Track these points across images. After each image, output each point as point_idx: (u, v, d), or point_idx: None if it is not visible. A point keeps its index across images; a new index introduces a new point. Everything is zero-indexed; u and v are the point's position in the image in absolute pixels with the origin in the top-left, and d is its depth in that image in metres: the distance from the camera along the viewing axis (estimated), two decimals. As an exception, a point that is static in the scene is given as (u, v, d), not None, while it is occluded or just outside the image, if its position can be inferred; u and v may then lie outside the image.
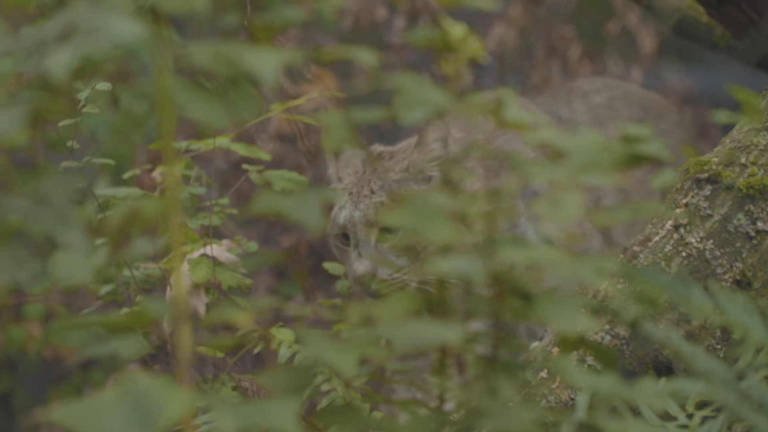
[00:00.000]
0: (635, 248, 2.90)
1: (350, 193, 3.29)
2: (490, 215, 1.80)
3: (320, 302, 3.26)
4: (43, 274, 1.79)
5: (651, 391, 1.83)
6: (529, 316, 1.78)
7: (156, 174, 3.37)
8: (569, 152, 1.82)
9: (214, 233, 3.26)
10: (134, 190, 3.30)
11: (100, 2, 1.64)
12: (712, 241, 2.83)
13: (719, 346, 2.79)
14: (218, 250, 3.20)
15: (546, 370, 2.82)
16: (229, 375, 3.21)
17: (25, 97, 1.70)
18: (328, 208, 3.32)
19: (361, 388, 2.99)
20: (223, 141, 3.33)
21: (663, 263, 2.84)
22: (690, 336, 2.79)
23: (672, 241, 2.85)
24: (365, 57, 1.82)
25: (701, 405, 2.50)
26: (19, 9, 1.79)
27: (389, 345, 1.73)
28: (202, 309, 3.14)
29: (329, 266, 3.47)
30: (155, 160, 4.02)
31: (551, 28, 5.17)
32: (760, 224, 2.81)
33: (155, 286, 3.31)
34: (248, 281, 3.19)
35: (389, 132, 4.16)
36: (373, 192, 3.25)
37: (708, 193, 2.85)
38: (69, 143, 3.15)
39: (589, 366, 2.73)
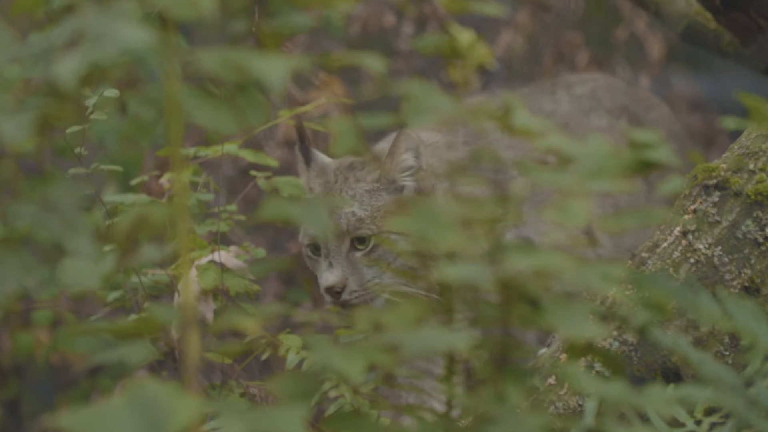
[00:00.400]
0: (643, 254, 2.89)
1: None
2: (496, 221, 1.80)
3: (328, 308, 3.26)
4: (51, 280, 1.80)
5: (659, 397, 1.83)
6: (537, 323, 1.78)
7: (164, 180, 3.37)
8: (577, 158, 1.82)
9: (222, 239, 3.26)
10: (142, 197, 3.30)
11: (108, 9, 1.65)
12: (720, 247, 2.82)
13: (727, 353, 2.79)
14: (226, 256, 3.20)
15: (554, 377, 2.82)
16: (237, 381, 3.20)
17: (33, 104, 1.70)
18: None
19: (369, 394, 2.98)
20: (231, 147, 3.33)
21: (671, 269, 2.83)
22: (698, 342, 2.78)
23: (680, 248, 2.85)
24: (373, 63, 1.82)
25: (710, 411, 2.50)
26: (27, 15, 1.80)
27: (397, 351, 1.73)
28: (210, 315, 3.14)
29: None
30: (163, 166, 4.02)
31: (559, 35, 5.17)
32: (768, 230, 2.81)
33: (163, 292, 3.31)
34: (256, 287, 3.19)
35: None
36: None
37: (716, 199, 2.85)
38: (77, 150, 3.16)
39: (598, 372, 2.73)
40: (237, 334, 3.26)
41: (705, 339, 2.79)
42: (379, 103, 2.62)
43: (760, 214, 2.81)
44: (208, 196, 3.34)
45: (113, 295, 3.33)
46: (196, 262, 3.15)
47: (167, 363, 3.34)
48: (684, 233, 2.85)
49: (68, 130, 3.10)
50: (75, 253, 1.73)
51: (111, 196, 3.30)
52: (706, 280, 2.81)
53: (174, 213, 1.75)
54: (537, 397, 2.80)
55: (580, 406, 2.77)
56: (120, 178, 4.18)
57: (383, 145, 3.41)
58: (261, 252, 3.35)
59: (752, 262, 2.81)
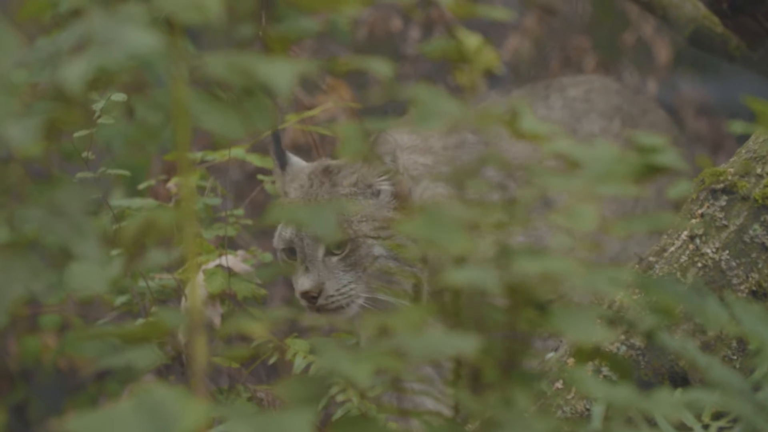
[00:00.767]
0: (651, 258, 2.89)
1: None
2: (504, 225, 1.80)
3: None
4: (59, 284, 1.80)
5: (667, 401, 1.83)
6: (544, 327, 1.78)
7: (171, 185, 3.37)
8: (585, 163, 1.82)
9: (229, 244, 3.26)
10: (149, 201, 3.31)
11: (116, 13, 1.65)
12: (727, 251, 2.82)
13: (735, 357, 2.78)
14: (233, 260, 3.20)
15: (561, 381, 2.82)
16: (244, 385, 3.21)
17: (40, 108, 1.71)
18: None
19: (377, 398, 2.98)
20: (238, 152, 3.34)
21: (679, 274, 2.83)
22: (706, 346, 2.78)
23: (688, 252, 2.84)
24: (380, 67, 1.82)
25: (717, 415, 2.50)
26: (34, 20, 1.80)
27: (404, 355, 1.73)
28: (217, 319, 3.14)
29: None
30: (170, 170, 4.02)
31: (566, 39, 5.17)
32: (776, 235, 2.80)
33: (170, 296, 3.31)
34: (263, 291, 3.20)
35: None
36: None
37: (723, 203, 2.84)
38: (84, 154, 3.16)
39: (605, 376, 2.73)
40: (244, 338, 3.26)
41: (712, 343, 2.78)
42: (387, 108, 2.62)
43: (768, 218, 2.81)
44: (215, 201, 3.34)
45: (120, 300, 3.34)
46: (204, 267, 3.15)
47: (174, 367, 3.34)
48: (691, 237, 2.85)
49: (75, 135, 3.10)
50: (82, 257, 1.73)
51: (118, 200, 3.31)
52: (714, 285, 2.81)
53: (181, 217, 1.75)
54: (544, 401, 2.79)
55: (588, 410, 2.77)
56: (127, 183, 4.19)
57: None
58: (268, 256, 3.35)
59: (760, 266, 2.81)
